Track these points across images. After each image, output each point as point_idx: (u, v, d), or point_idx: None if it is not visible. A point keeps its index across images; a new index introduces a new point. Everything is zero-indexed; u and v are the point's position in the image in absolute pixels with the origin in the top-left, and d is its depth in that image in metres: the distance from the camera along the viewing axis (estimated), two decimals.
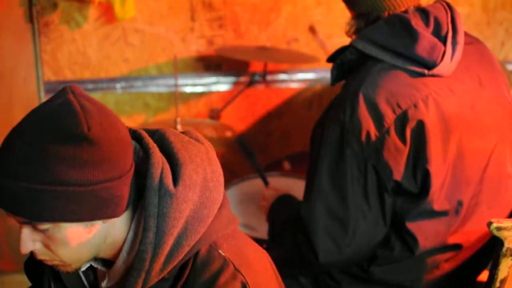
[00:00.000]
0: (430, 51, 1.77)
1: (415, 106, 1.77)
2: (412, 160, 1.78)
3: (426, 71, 1.79)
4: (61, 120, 1.08)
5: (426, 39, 1.77)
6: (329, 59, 1.95)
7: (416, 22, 1.79)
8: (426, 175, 1.78)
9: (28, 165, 1.07)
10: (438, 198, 1.80)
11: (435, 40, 1.79)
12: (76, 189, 1.08)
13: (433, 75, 1.80)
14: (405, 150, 1.77)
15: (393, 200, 1.83)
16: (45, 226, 1.13)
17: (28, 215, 1.11)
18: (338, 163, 1.81)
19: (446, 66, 1.80)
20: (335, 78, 1.94)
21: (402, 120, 1.77)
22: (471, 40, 1.95)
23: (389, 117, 1.77)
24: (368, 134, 1.77)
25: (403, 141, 1.77)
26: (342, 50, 1.92)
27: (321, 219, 1.85)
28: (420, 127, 1.77)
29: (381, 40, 1.80)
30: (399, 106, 1.77)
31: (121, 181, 1.13)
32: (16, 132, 1.11)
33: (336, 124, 1.81)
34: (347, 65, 1.90)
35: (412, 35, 1.77)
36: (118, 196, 1.13)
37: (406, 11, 1.83)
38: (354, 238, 1.84)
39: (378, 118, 1.77)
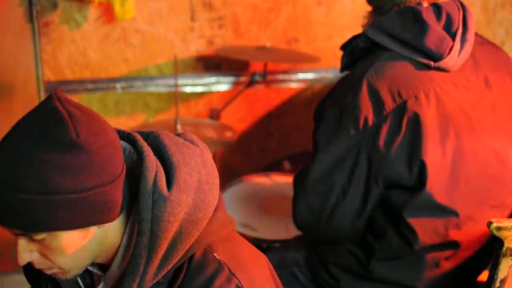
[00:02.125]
0: (438, 44, 1.80)
1: (416, 97, 1.79)
2: (407, 151, 1.79)
3: (432, 63, 1.81)
4: (49, 128, 1.08)
5: (435, 32, 1.80)
6: (342, 47, 1.98)
7: (428, 15, 1.82)
8: (422, 167, 1.78)
9: (18, 175, 1.06)
10: (437, 193, 1.80)
11: (444, 34, 1.81)
12: (68, 196, 1.07)
13: (439, 68, 1.82)
14: (401, 140, 1.78)
15: (380, 192, 1.83)
16: (40, 236, 1.12)
17: (22, 227, 1.10)
18: (331, 142, 1.84)
19: (453, 60, 1.82)
20: (345, 65, 1.97)
21: (401, 110, 1.78)
22: (482, 41, 1.97)
23: (389, 106, 1.79)
24: (366, 119, 1.79)
25: (399, 130, 1.78)
26: (354, 39, 1.94)
27: (304, 190, 1.91)
28: (418, 119, 1.78)
29: (392, 30, 1.83)
30: (400, 96, 1.79)
31: (113, 185, 1.12)
32: (5, 143, 1.10)
33: (336, 105, 1.84)
34: (358, 53, 1.92)
35: (422, 27, 1.80)
36: (111, 201, 1.12)
37: (419, 3, 1.85)
38: (331, 216, 1.87)
39: (378, 105, 1.79)
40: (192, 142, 1.25)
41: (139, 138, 1.22)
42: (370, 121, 1.79)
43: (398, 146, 1.79)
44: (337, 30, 3.17)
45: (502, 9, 3.26)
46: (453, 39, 1.83)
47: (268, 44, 3.05)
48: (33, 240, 1.13)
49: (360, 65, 1.89)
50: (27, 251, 1.15)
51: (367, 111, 1.79)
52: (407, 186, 1.82)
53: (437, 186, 1.80)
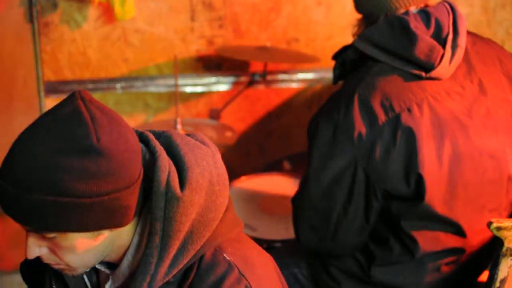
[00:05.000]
0: (428, 53, 1.78)
1: (409, 110, 1.77)
2: (403, 165, 1.78)
3: (423, 74, 1.80)
4: (70, 130, 1.07)
5: (424, 41, 1.78)
6: (334, 57, 1.96)
7: (416, 25, 1.79)
8: (420, 180, 1.78)
9: (35, 175, 1.06)
10: (437, 204, 1.80)
11: (434, 42, 1.79)
12: (83, 200, 1.07)
13: (430, 78, 1.80)
14: (396, 153, 1.77)
15: (380, 205, 1.83)
16: (51, 234, 1.12)
17: (35, 225, 1.10)
18: (327, 159, 1.83)
19: (444, 69, 1.80)
20: (337, 76, 1.95)
21: (394, 123, 1.77)
22: (474, 40, 1.94)
23: (382, 119, 1.77)
24: (360, 134, 1.77)
25: (394, 145, 1.77)
26: (344, 49, 1.93)
27: (305, 210, 1.89)
28: (412, 132, 1.76)
29: (381, 42, 1.81)
30: (392, 109, 1.77)
31: (129, 191, 1.12)
32: (25, 140, 1.09)
33: (329, 122, 1.82)
34: (349, 64, 1.91)
35: (411, 38, 1.78)
36: (125, 206, 1.12)
37: (407, 13, 1.83)
38: (335, 233, 1.86)
39: (371, 119, 1.78)
40: (203, 143, 1.25)
41: (152, 137, 1.22)
42: (364, 136, 1.78)
43: (394, 160, 1.78)
44: (337, 30, 3.16)
45: (502, 9, 3.25)
46: (444, 46, 1.81)
47: (268, 44, 3.05)
48: (44, 237, 1.14)
49: (351, 79, 1.87)
50: (36, 247, 1.16)
51: (360, 126, 1.78)
52: (405, 197, 1.81)
53: (436, 197, 1.79)
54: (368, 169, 1.79)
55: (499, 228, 1.66)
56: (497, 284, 1.73)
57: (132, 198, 1.13)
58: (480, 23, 3.24)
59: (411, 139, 1.77)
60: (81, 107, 1.09)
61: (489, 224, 1.66)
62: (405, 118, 1.77)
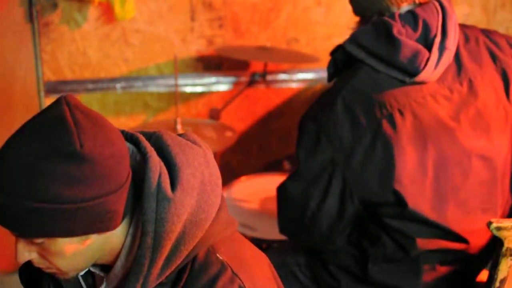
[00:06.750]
0: (412, 58, 1.76)
1: (391, 116, 1.77)
2: (379, 178, 1.78)
3: (407, 79, 1.79)
4: (53, 137, 1.07)
5: (407, 47, 1.77)
6: (331, 53, 1.97)
7: (399, 30, 1.78)
8: (396, 193, 1.77)
9: (20, 183, 1.06)
10: (424, 208, 1.79)
11: (419, 46, 1.78)
12: (67, 206, 1.07)
13: (415, 83, 1.80)
14: (376, 159, 1.77)
15: (356, 210, 1.83)
16: (39, 240, 1.12)
17: (21, 231, 1.10)
18: (308, 158, 1.85)
19: (429, 73, 1.79)
20: (331, 74, 1.95)
21: (375, 129, 1.76)
22: (469, 35, 1.92)
23: (363, 125, 1.77)
24: (341, 137, 1.78)
25: (373, 152, 1.77)
26: (338, 48, 1.93)
27: (285, 202, 1.93)
28: (390, 142, 1.76)
29: (367, 44, 1.80)
30: (374, 115, 1.77)
31: (115, 196, 1.11)
32: (9, 147, 1.09)
33: (314, 122, 1.83)
34: (340, 63, 1.91)
35: (394, 43, 1.77)
36: (112, 211, 1.12)
37: (393, 15, 1.81)
38: (311, 227, 1.88)
39: (352, 123, 1.78)
40: (194, 143, 1.25)
41: (142, 138, 1.21)
42: (345, 140, 1.78)
43: (370, 170, 1.78)
44: (337, 30, 3.17)
45: (502, 9, 3.26)
46: (430, 49, 1.79)
47: (268, 44, 3.05)
48: (32, 243, 1.13)
49: (337, 81, 1.88)
50: (26, 251, 1.15)
51: (342, 129, 1.78)
52: (387, 204, 1.81)
53: (422, 204, 1.79)
54: (347, 173, 1.79)
55: (499, 228, 1.66)
56: (497, 284, 1.73)
57: (119, 202, 1.13)
58: (480, 23, 3.24)
59: (389, 150, 1.76)
60: (65, 112, 1.09)
61: (489, 224, 1.66)
62: (385, 126, 1.76)
